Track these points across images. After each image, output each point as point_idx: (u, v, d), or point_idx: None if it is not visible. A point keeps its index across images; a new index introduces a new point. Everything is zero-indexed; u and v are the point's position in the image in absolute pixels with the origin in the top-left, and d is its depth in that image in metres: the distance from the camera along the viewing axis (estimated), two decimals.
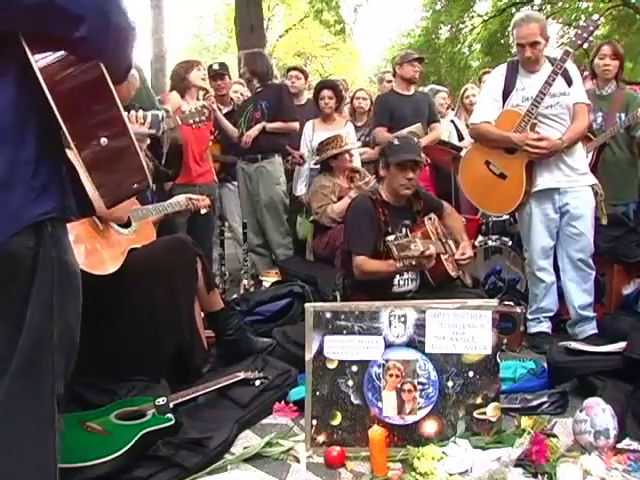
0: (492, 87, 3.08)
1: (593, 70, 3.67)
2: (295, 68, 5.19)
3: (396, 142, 2.89)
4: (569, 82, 2.93)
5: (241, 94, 4.90)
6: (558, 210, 2.96)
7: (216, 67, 4.63)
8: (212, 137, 4.27)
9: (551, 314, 3.09)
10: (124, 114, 1.12)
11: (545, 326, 3.08)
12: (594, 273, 2.98)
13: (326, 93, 4.34)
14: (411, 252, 2.35)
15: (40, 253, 1.12)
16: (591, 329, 2.96)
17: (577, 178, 2.94)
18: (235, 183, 4.58)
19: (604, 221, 3.09)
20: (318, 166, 4.13)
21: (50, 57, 1.05)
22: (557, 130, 2.93)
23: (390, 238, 2.42)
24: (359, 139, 4.60)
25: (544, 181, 2.94)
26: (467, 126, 4.99)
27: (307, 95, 4.96)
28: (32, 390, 1.14)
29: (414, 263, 2.41)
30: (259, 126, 4.23)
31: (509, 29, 15.97)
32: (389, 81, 5.04)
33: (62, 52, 1.06)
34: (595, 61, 3.63)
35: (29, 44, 1.04)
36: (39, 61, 1.04)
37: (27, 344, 1.12)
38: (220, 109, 4.51)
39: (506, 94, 3.00)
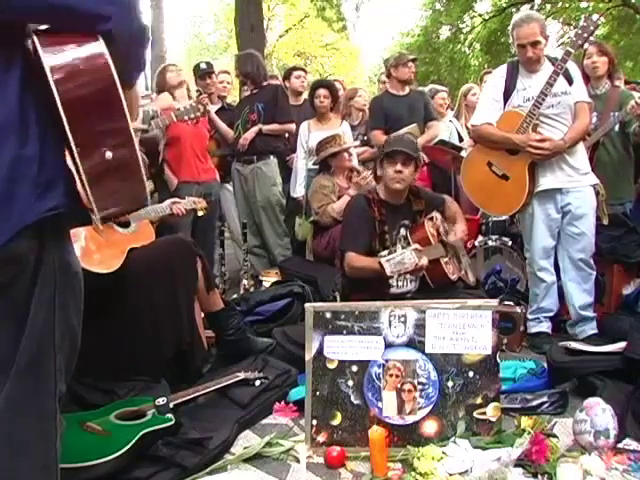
0: (492, 88, 3.07)
1: (586, 73, 3.67)
2: (299, 68, 5.20)
3: (391, 139, 2.94)
4: (570, 81, 2.92)
5: (227, 83, 4.92)
6: (560, 210, 2.96)
7: (204, 66, 4.65)
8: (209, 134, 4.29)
9: (551, 314, 3.08)
10: (131, 126, 1.11)
11: (545, 326, 3.08)
12: (595, 273, 2.98)
13: (322, 92, 4.33)
14: (404, 267, 2.35)
15: (43, 254, 1.13)
16: (591, 329, 2.96)
17: (579, 178, 2.93)
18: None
19: (605, 221, 3.08)
20: (316, 167, 4.13)
21: (62, 59, 1.04)
22: (559, 130, 2.93)
23: (382, 254, 2.41)
24: (356, 138, 4.60)
25: (547, 182, 2.94)
26: (466, 127, 5.00)
27: (305, 95, 4.97)
28: (35, 389, 1.14)
29: (407, 276, 2.41)
30: (255, 129, 4.26)
31: (509, 28, 15.93)
32: (383, 82, 5.06)
33: (74, 54, 1.05)
34: (584, 63, 3.63)
35: (41, 41, 1.04)
36: (51, 62, 1.03)
37: (30, 344, 1.12)
38: None
39: (507, 95, 2.99)
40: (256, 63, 4.45)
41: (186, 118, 3.35)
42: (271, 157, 4.34)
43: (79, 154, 1.05)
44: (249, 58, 4.50)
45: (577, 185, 2.92)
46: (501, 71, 3.07)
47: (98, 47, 1.05)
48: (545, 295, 3.05)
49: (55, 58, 1.03)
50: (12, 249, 1.08)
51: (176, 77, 3.93)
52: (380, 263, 2.41)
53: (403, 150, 2.76)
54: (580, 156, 2.97)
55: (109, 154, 1.07)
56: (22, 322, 1.12)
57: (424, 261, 2.50)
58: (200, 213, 3.24)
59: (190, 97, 4.02)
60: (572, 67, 2.96)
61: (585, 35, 2.91)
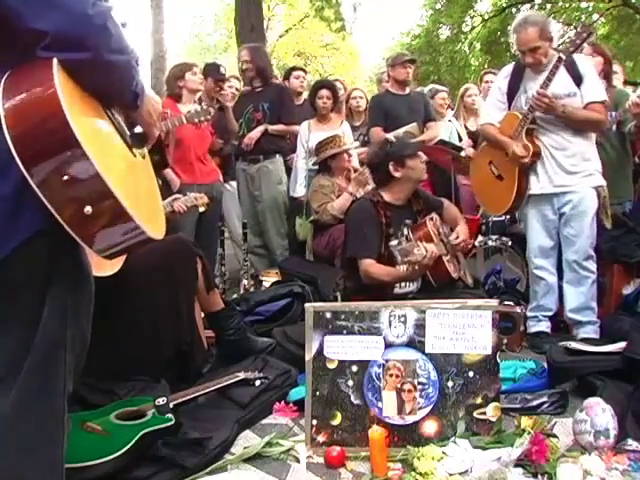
0: (496, 88, 3.08)
1: None
2: (299, 68, 5.19)
3: (395, 140, 2.94)
4: (578, 81, 2.83)
5: (236, 89, 4.89)
6: (557, 211, 2.95)
7: (223, 71, 4.58)
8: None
9: (550, 314, 3.07)
10: (92, 158, 1.02)
11: (544, 326, 3.07)
12: (593, 277, 2.92)
13: (324, 93, 4.33)
14: (414, 257, 2.34)
15: (56, 255, 1.14)
16: (594, 332, 2.91)
17: (577, 181, 2.89)
18: (233, 183, 4.56)
19: (608, 225, 3.01)
20: (316, 167, 4.13)
21: (14, 103, 1.01)
22: (561, 136, 2.88)
23: (393, 243, 2.41)
24: (357, 139, 4.59)
25: (540, 187, 2.95)
26: (465, 127, 5.00)
27: (304, 95, 4.96)
28: (45, 389, 1.16)
29: (417, 267, 2.40)
30: (261, 128, 4.21)
31: (509, 28, 15.97)
32: (387, 81, 5.05)
33: (27, 97, 1.01)
34: None
35: (5, 83, 1.02)
36: (5, 106, 1.00)
37: (42, 344, 1.13)
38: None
39: (511, 96, 2.98)
40: (268, 59, 4.42)
41: (196, 120, 3.33)
42: (277, 156, 4.31)
43: (56, 211, 1.03)
44: (263, 53, 4.45)
45: (574, 188, 2.89)
46: (505, 71, 3.06)
47: (53, 90, 1.01)
48: (544, 294, 3.04)
49: (9, 102, 1.01)
50: (24, 252, 1.08)
51: (197, 83, 3.91)
52: (390, 251, 2.42)
53: (419, 146, 2.99)
54: (581, 159, 2.90)
55: (88, 208, 1.04)
56: (35, 322, 1.13)
57: (435, 250, 2.49)
58: (202, 209, 3.23)
59: (196, 101, 4.00)
60: (583, 63, 2.85)
61: (578, 42, 2.82)
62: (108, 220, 1.07)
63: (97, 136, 1.12)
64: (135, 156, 1.29)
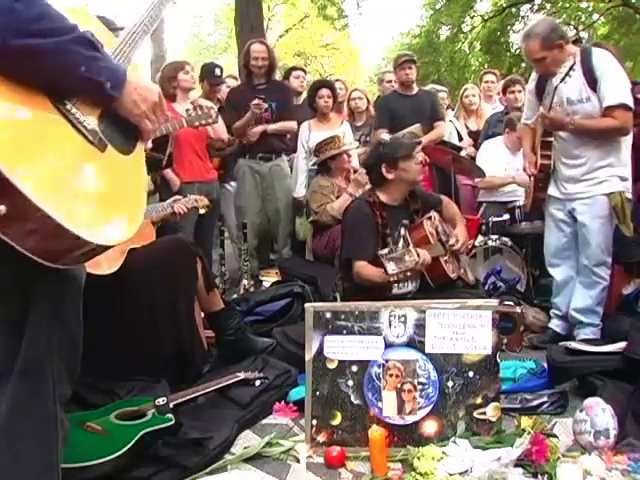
0: (529, 89, 3.11)
1: None
2: (298, 68, 5.18)
3: (389, 141, 2.95)
4: (594, 84, 2.68)
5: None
6: (569, 214, 2.94)
7: (218, 73, 4.53)
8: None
9: (560, 313, 3.08)
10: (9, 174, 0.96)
11: (554, 323, 3.09)
12: (604, 283, 2.89)
13: (325, 92, 4.32)
14: (405, 264, 2.32)
15: (27, 259, 1.11)
16: (592, 334, 2.90)
17: (584, 189, 2.84)
18: (233, 184, 4.54)
19: (627, 233, 2.86)
20: (316, 167, 4.12)
21: None
22: (572, 145, 2.83)
23: (383, 252, 2.38)
24: (359, 139, 4.59)
25: (555, 190, 2.98)
26: (466, 126, 4.99)
27: (304, 95, 4.95)
28: (34, 395, 1.15)
29: (409, 274, 2.39)
30: (260, 128, 4.14)
31: (509, 28, 16.00)
32: (389, 81, 5.05)
33: None
34: None
35: None
36: None
37: (28, 349, 1.13)
38: None
39: (539, 97, 3.00)
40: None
41: (197, 124, 3.28)
42: (283, 155, 4.28)
43: None
44: (274, 51, 4.39)
45: (583, 195, 2.85)
46: (534, 73, 3.04)
47: None
48: (557, 293, 3.08)
49: None
50: (7, 252, 1.07)
51: (190, 82, 3.88)
52: (380, 261, 2.40)
53: (415, 145, 2.94)
54: (593, 167, 2.80)
55: (2, 208, 0.97)
56: (21, 326, 1.12)
57: (427, 257, 2.47)
58: (202, 211, 3.22)
59: (189, 98, 3.98)
60: (600, 61, 2.68)
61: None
62: (33, 227, 1.00)
63: (19, 135, 1.02)
64: (103, 151, 1.20)
